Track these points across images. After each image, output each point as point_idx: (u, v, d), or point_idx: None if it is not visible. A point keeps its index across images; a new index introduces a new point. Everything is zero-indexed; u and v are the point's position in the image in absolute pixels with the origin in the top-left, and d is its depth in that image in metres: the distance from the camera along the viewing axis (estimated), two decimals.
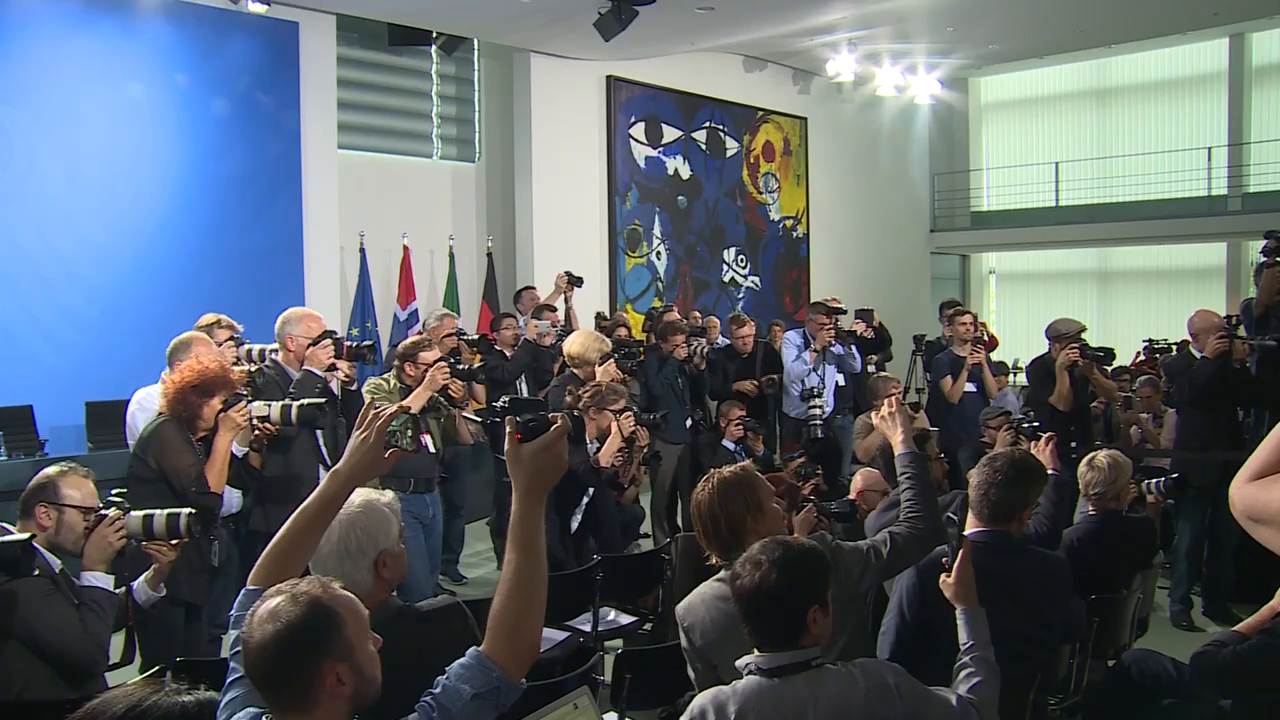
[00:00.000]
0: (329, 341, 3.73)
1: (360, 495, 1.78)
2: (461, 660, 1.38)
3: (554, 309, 6.24)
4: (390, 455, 1.62)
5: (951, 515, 2.27)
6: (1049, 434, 3.40)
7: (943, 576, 2.02)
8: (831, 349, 5.85)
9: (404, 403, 1.72)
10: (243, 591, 1.52)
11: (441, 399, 3.86)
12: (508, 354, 5.70)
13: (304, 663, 1.30)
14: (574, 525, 3.87)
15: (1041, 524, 2.95)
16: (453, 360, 4.00)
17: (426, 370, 3.78)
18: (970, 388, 5.70)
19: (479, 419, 3.65)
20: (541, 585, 1.42)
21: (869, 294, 9.71)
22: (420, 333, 5.13)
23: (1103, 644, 3.04)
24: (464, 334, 5.12)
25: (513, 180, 8.58)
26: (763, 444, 5.52)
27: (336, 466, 1.61)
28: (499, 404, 1.58)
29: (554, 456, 1.47)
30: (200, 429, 3.08)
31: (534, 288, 6.89)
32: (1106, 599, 3.05)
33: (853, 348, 5.96)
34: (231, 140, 6.50)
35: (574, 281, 6.52)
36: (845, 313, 6.18)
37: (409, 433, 1.69)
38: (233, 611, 1.50)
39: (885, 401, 2.45)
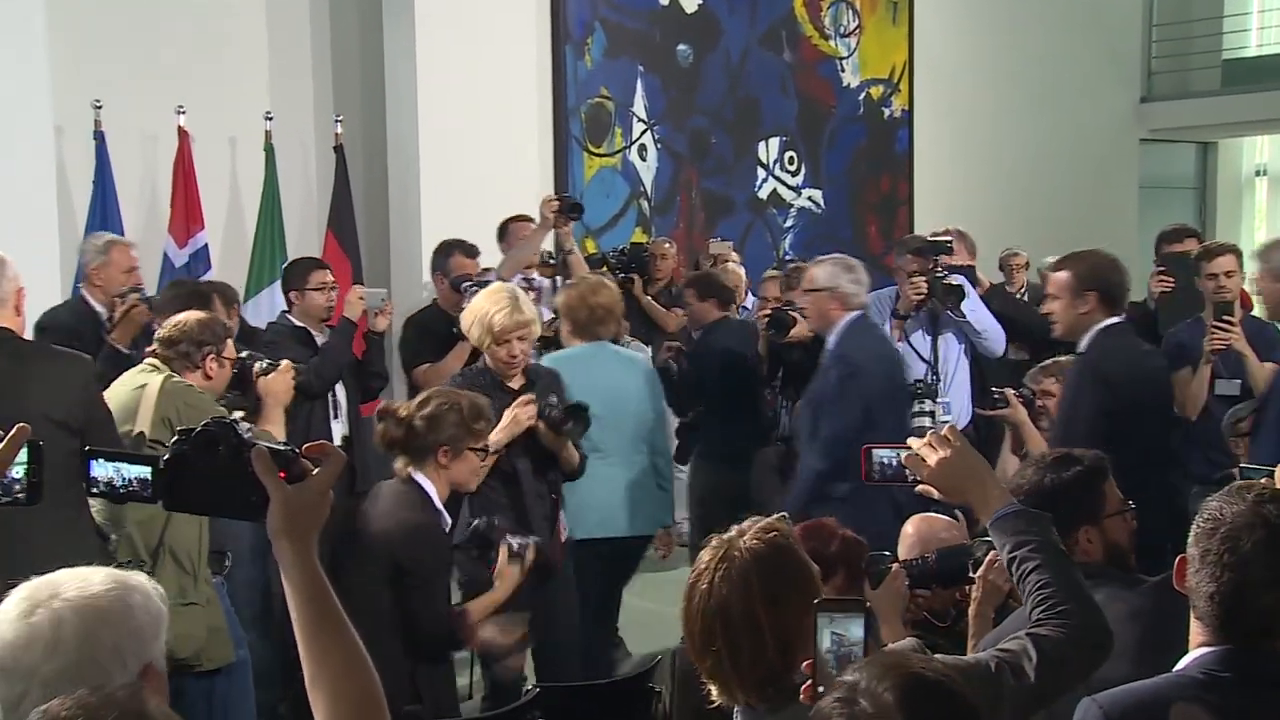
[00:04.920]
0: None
1: (99, 571, 1.94)
2: None
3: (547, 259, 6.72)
4: None
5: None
6: None
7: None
8: (943, 315, 5.93)
9: (23, 425, 1.95)
10: None
11: None
12: (316, 339, 5.93)
13: None
14: None
15: None
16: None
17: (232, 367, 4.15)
18: (1222, 389, 5.60)
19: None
20: (369, 666, 1.84)
21: (1022, 221, 9.56)
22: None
23: None
24: (143, 294, 5.49)
25: (379, 14, 8.49)
26: None
27: None
28: (200, 428, 1.80)
29: (329, 500, 1.83)
30: None
31: (527, 219, 7.11)
32: None
33: (967, 313, 5.95)
34: None
35: (569, 210, 6.71)
36: (950, 251, 6.15)
37: (22, 473, 1.89)
38: None
39: (938, 435, 2.55)
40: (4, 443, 1.81)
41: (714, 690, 2.29)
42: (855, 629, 2.04)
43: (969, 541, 3.58)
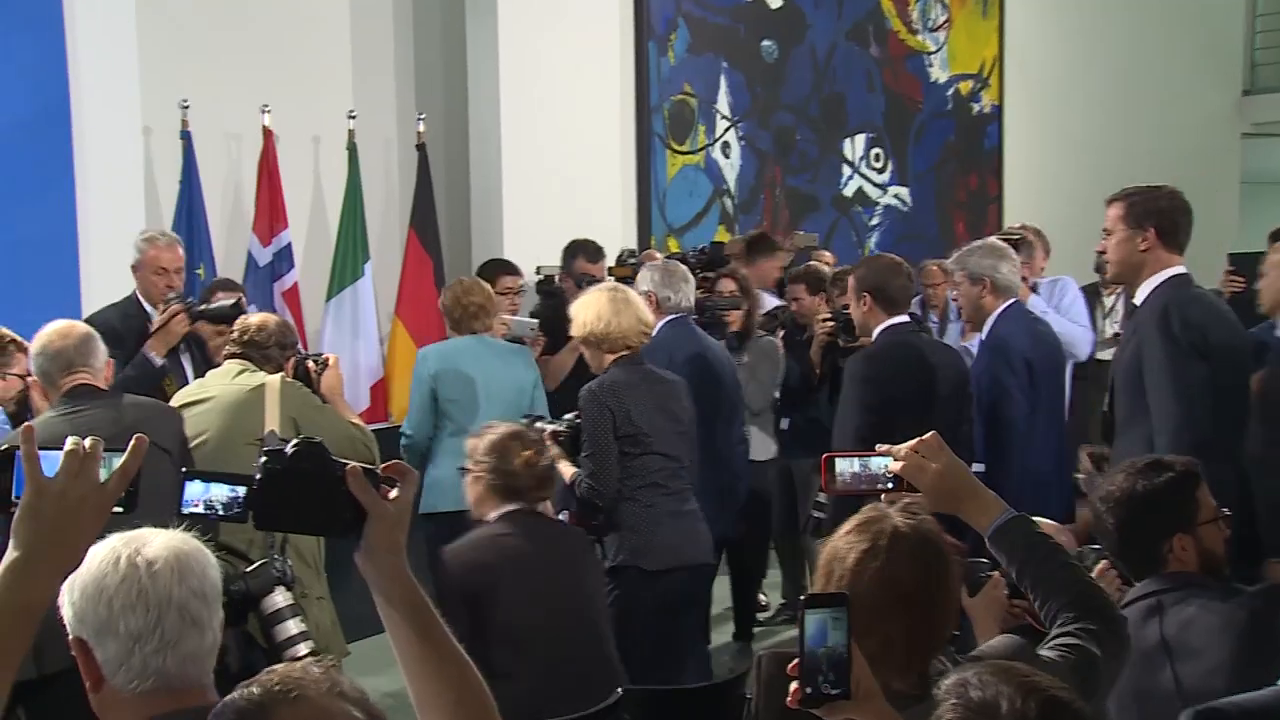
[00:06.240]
0: None
1: (170, 533, 2.11)
2: None
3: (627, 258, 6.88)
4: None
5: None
6: None
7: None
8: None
9: (141, 436, 1.91)
10: None
11: None
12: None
13: None
14: None
15: None
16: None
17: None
18: None
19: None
20: (478, 673, 1.84)
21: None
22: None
23: None
24: (189, 304, 5.44)
25: (462, 12, 8.54)
26: None
27: (15, 556, 1.76)
28: (292, 448, 1.86)
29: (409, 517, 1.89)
30: None
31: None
32: None
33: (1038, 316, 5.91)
34: None
35: None
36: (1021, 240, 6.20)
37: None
38: None
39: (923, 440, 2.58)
40: (127, 453, 1.87)
41: None
42: (842, 626, 2.00)
43: (1074, 550, 3.47)
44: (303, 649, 3.91)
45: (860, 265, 5.31)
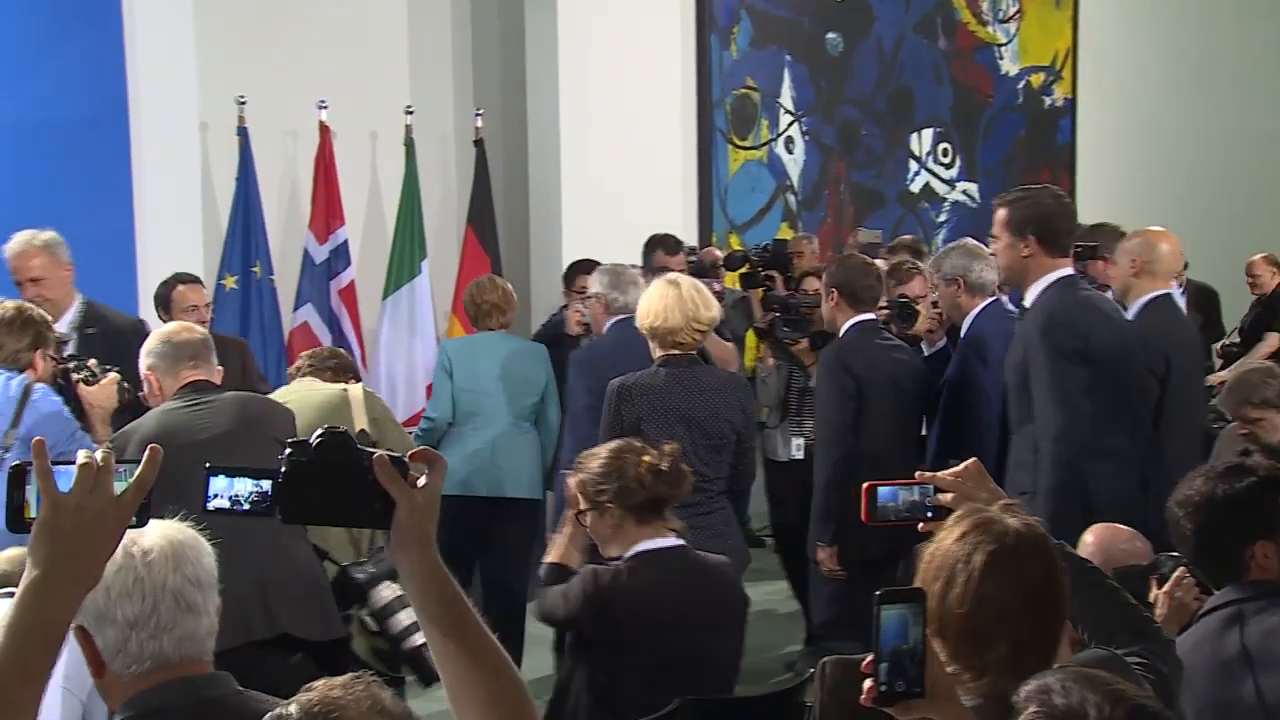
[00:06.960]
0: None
1: (166, 523, 2.20)
2: None
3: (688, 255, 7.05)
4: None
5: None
6: None
7: None
8: None
9: (155, 446, 1.90)
10: None
11: None
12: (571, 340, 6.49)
13: None
14: None
15: None
16: None
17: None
18: None
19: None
20: (514, 665, 1.83)
21: (1196, 219, 9.34)
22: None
23: None
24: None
25: (521, 5, 8.60)
26: None
27: (34, 574, 1.75)
28: (317, 439, 1.82)
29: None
30: None
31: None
32: None
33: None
34: None
35: None
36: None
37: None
38: None
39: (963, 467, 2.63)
40: (142, 465, 1.85)
41: (970, 684, 2.26)
42: (919, 621, 1.98)
43: (1150, 558, 3.45)
44: (419, 638, 4.03)
45: (833, 264, 5.64)
